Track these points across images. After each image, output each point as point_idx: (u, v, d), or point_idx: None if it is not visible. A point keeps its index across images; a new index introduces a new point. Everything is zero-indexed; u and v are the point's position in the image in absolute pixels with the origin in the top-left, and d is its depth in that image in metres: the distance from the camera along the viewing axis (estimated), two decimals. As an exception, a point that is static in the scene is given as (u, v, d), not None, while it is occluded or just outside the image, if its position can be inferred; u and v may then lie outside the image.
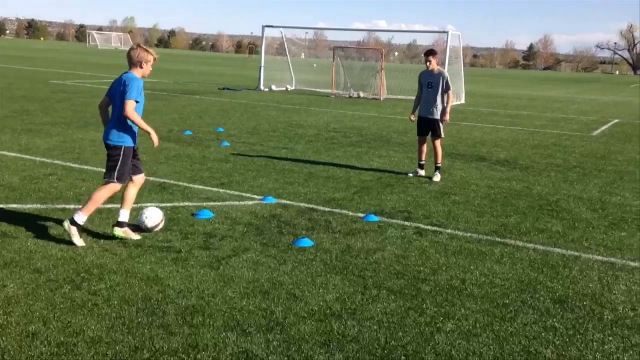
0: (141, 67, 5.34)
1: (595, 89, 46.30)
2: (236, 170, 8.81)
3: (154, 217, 5.60)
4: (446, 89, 8.89)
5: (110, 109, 5.50)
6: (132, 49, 5.40)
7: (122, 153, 5.37)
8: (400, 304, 4.43)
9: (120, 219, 5.46)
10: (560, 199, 8.11)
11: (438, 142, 9.05)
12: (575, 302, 4.65)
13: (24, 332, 3.69)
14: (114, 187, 5.40)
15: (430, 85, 8.96)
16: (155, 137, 5.57)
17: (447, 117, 9.01)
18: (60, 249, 5.14)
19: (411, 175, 9.13)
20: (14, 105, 15.11)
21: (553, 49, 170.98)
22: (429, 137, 9.15)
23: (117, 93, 5.28)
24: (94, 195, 5.35)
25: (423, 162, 9.24)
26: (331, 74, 26.58)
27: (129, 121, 5.28)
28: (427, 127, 9.11)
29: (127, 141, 5.40)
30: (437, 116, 8.98)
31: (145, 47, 5.40)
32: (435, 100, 8.95)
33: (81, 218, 5.27)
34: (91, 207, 5.34)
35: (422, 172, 9.20)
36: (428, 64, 8.94)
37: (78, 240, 5.24)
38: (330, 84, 26.45)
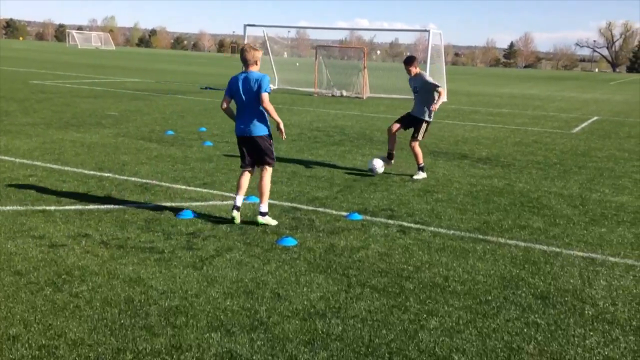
0: (257, 65, 6.01)
1: (574, 87, 46.87)
2: (219, 170, 8.78)
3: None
4: (433, 88, 8.90)
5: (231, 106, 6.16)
6: (245, 50, 5.95)
7: (270, 138, 6.16)
8: (384, 301, 4.45)
9: (261, 209, 6.08)
10: (541, 196, 8.20)
11: (415, 144, 9.04)
12: (557, 298, 4.70)
13: (4, 335, 3.64)
14: (271, 170, 6.23)
15: (416, 89, 9.07)
16: (283, 128, 6.20)
17: (435, 106, 8.92)
18: (41, 251, 5.08)
19: (416, 177, 8.99)
20: (-8, 105, 14.89)
21: (533, 47, 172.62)
22: (406, 140, 9.16)
23: (248, 90, 5.93)
24: (264, 186, 6.12)
25: (393, 152, 9.28)
26: (314, 73, 26.57)
27: (265, 112, 6.01)
28: (410, 123, 9.16)
29: (269, 128, 6.17)
30: (424, 117, 9.02)
31: (254, 47, 6.01)
32: (424, 103, 9.00)
33: (265, 207, 6.09)
34: (267, 195, 6.15)
35: (391, 162, 9.26)
36: (408, 72, 9.03)
37: (274, 221, 6.11)
38: (313, 82, 26.45)
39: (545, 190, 8.55)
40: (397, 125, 9.26)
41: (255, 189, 7.61)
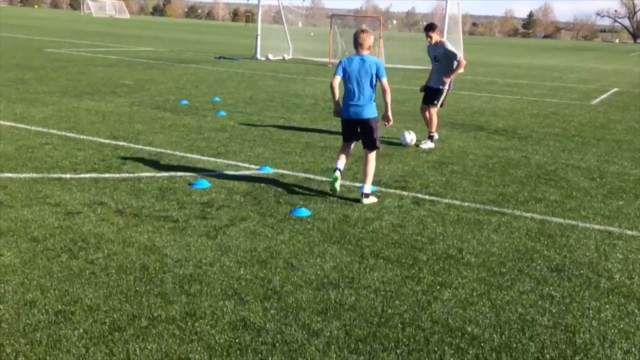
0: (369, 50, 6.11)
1: (594, 57, 45.97)
2: (233, 140, 8.76)
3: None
4: (453, 57, 8.77)
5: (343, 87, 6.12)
6: (364, 33, 6.07)
7: (378, 122, 6.19)
8: (397, 272, 4.44)
9: (365, 191, 6.10)
10: (558, 168, 8.10)
11: (433, 110, 9.01)
12: (572, 271, 4.67)
13: (21, 301, 3.70)
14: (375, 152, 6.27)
15: (436, 58, 8.94)
16: (391, 115, 6.28)
17: (450, 76, 8.86)
18: (57, 218, 5.12)
19: (423, 146, 9.00)
20: (8, 73, 14.93)
21: (553, 16, 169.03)
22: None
23: (364, 73, 6.00)
24: (370, 169, 6.15)
25: (432, 133, 9.24)
26: (328, 43, 26.28)
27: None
28: (428, 96, 9.06)
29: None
30: (441, 86, 8.90)
31: (369, 32, 6.17)
32: (441, 73, 8.88)
33: (369, 187, 6.13)
34: (372, 177, 6.19)
35: (432, 143, 9.21)
36: (428, 39, 8.86)
37: (375, 199, 6.14)
38: (328, 52, 26.18)
39: (562, 163, 8.44)
40: (425, 106, 9.15)
41: (270, 160, 7.60)
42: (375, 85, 6.06)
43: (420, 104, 9.32)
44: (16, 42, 26.20)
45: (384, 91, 6.10)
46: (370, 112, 6.11)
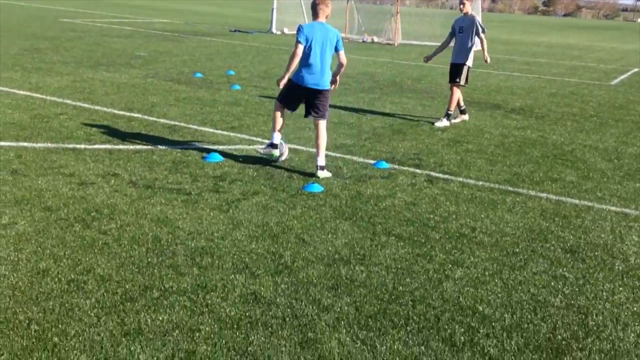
0: (327, 19, 6.00)
1: (615, 37, 45.05)
2: (246, 114, 8.72)
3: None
4: (478, 32, 8.65)
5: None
6: (323, 3, 5.90)
7: (330, 95, 6.10)
8: (409, 250, 4.42)
9: (320, 163, 6.00)
10: (576, 149, 7.98)
11: (455, 88, 8.90)
12: (586, 252, 4.62)
13: (34, 269, 3.73)
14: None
15: (461, 29, 8.79)
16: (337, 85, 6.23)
17: (487, 57, 8.91)
18: (71, 188, 5.15)
19: (456, 120, 9.04)
20: (24, 43, 14.94)
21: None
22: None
23: (328, 43, 5.88)
24: (323, 140, 6.02)
25: (463, 107, 9.21)
26: (345, 18, 25.97)
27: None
28: (452, 73, 8.96)
29: None
30: (464, 61, 8.78)
31: (328, 1, 5.96)
32: (464, 45, 8.77)
33: (324, 160, 6.03)
34: (324, 149, 6.06)
35: (466, 117, 9.24)
36: (462, 6, 8.74)
37: (330, 174, 6.01)
38: (344, 27, 25.87)
39: (579, 143, 8.32)
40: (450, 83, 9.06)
41: (283, 135, 7.57)
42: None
43: (449, 82, 9.18)
44: (32, 12, 26.18)
45: (341, 65, 6.00)
46: (328, 82, 5.98)
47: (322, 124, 6.03)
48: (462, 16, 8.79)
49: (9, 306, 3.31)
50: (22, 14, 24.71)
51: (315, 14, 5.95)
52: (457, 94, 8.93)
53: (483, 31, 8.69)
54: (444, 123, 8.86)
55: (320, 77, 5.90)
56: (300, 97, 6.02)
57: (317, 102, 5.96)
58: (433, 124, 8.87)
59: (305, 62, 5.90)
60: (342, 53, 5.98)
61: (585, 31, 54.25)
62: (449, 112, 8.96)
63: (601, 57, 24.76)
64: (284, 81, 6.01)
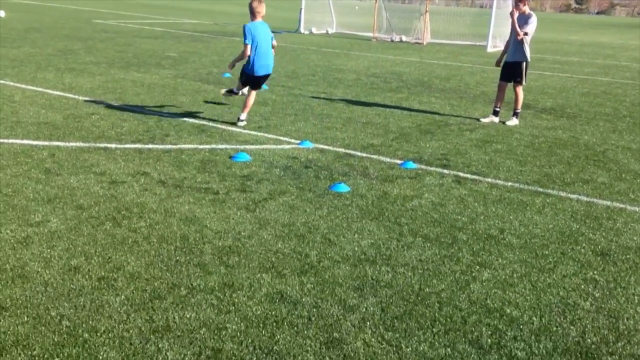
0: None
1: (651, 35, 43.99)
2: (274, 114, 8.77)
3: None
4: (525, 27, 8.57)
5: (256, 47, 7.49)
6: (260, 2, 7.48)
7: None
8: (436, 251, 4.40)
9: (241, 117, 7.90)
10: (608, 149, 7.83)
11: (519, 89, 8.96)
12: (618, 255, 4.53)
13: (66, 266, 3.81)
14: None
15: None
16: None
17: (520, 31, 8.60)
18: (102, 187, 5.24)
19: (484, 120, 9.00)
20: (58, 44, 15.27)
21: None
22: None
23: (270, 37, 7.62)
24: (252, 101, 7.92)
25: (498, 109, 9.12)
26: (373, 17, 25.89)
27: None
28: (510, 73, 8.89)
29: None
30: (520, 59, 8.74)
31: (263, 1, 7.53)
32: (517, 44, 8.70)
33: (246, 115, 7.92)
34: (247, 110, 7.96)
35: (496, 119, 9.09)
36: (516, 9, 8.67)
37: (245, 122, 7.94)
38: (372, 27, 25.81)
39: (612, 144, 8.16)
40: (503, 84, 9.00)
41: (310, 134, 7.58)
42: None
43: (499, 80, 9.09)
44: (65, 13, 26.72)
45: (273, 47, 7.72)
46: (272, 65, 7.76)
47: (256, 91, 7.91)
48: (519, 15, 8.68)
49: (42, 302, 3.39)
50: (55, 15, 25.24)
51: (253, 15, 7.47)
52: (522, 92, 8.96)
53: (530, 30, 8.58)
54: (514, 122, 8.97)
55: (270, 65, 7.67)
56: (260, 81, 7.81)
57: (263, 80, 7.90)
58: (504, 123, 8.93)
59: (257, 56, 7.44)
60: (274, 43, 7.70)
61: (619, 29, 53.08)
62: (518, 111, 9.04)
63: (635, 56, 24.21)
64: (231, 66, 8.01)
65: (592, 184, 6.28)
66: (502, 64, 9.12)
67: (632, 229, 5.07)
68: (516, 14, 8.61)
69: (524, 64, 8.78)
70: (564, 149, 7.73)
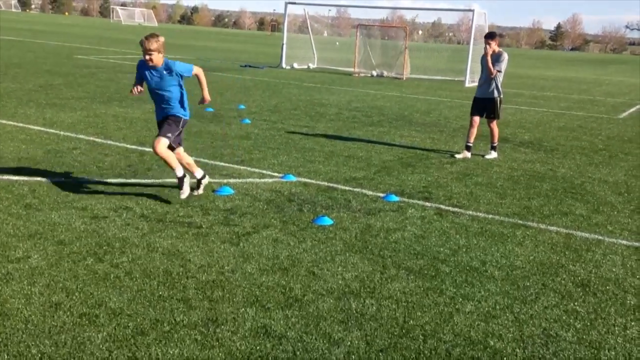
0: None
1: (623, 71, 45.28)
2: (257, 148, 8.82)
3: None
4: (497, 65, 8.76)
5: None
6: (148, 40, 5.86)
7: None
8: (419, 283, 4.42)
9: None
10: (585, 182, 7.98)
11: (493, 124, 9.14)
12: (598, 286, 4.59)
13: (47, 302, 3.76)
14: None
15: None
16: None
17: (493, 69, 8.77)
18: (83, 222, 5.21)
19: (458, 156, 9.06)
20: (39, 79, 15.26)
21: (581, 29, 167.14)
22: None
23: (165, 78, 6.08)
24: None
25: (471, 144, 9.20)
26: (354, 52, 26.34)
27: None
28: (481, 108, 9.06)
29: None
30: (493, 95, 8.93)
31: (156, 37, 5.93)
32: (489, 80, 8.89)
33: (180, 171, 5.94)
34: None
35: (469, 154, 9.14)
36: (487, 47, 8.83)
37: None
38: (353, 62, 26.23)
39: (589, 177, 8.32)
40: (477, 118, 9.12)
41: (293, 168, 7.63)
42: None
43: (471, 114, 9.21)
44: (47, 49, 26.76)
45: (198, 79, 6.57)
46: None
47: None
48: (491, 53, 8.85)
49: (22, 339, 3.33)
50: (37, 50, 25.26)
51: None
52: (496, 127, 9.16)
53: (498, 67, 8.77)
54: (493, 155, 9.13)
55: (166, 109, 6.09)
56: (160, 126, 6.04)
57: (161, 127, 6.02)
58: (483, 156, 9.10)
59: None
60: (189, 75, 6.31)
61: (593, 65, 54.57)
62: (495, 145, 9.21)
63: (609, 90, 24.86)
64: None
65: (570, 216, 6.39)
66: (473, 99, 9.29)
67: (611, 260, 5.15)
68: (490, 51, 8.80)
69: (498, 99, 8.98)
70: (542, 181, 7.87)
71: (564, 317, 4.04)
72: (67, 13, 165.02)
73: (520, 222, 6.06)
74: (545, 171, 8.51)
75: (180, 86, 6.10)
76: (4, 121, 9.40)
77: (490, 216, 6.19)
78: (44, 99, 12.02)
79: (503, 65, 8.82)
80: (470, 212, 6.27)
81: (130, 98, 13.02)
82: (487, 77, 8.92)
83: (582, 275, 4.78)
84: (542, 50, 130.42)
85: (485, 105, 9.03)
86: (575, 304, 4.26)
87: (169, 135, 5.85)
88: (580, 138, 11.73)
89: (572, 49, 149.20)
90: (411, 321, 3.84)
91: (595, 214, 6.50)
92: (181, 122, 6.07)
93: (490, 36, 8.92)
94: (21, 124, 9.26)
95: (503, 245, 5.36)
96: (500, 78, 8.93)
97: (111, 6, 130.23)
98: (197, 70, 6.25)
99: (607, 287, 4.58)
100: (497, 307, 4.12)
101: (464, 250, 5.17)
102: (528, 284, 4.55)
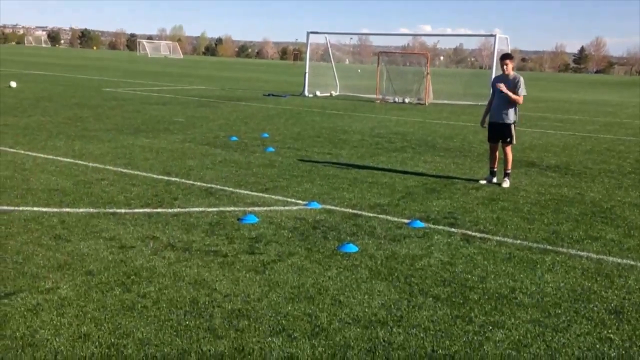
0: None
1: (650, 92, 44.66)
2: (281, 175, 8.86)
3: None
4: (519, 90, 8.64)
5: None
6: None
7: None
8: (447, 311, 4.35)
9: None
10: (615, 206, 7.83)
11: (508, 149, 8.91)
12: (632, 313, 4.47)
13: (76, 333, 3.79)
14: None
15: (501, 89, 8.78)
16: None
17: (506, 90, 8.62)
18: (111, 252, 5.26)
19: (483, 182, 8.96)
20: (68, 112, 15.62)
21: (605, 51, 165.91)
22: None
23: None
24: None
25: (495, 169, 9.07)
26: (375, 79, 26.49)
27: None
28: (498, 133, 8.94)
29: None
30: (509, 121, 8.79)
31: None
32: (507, 105, 8.76)
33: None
34: None
35: (494, 179, 9.03)
36: (504, 67, 8.73)
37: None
38: (375, 89, 26.37)
39: (618, 200, 8.17)
40: (494, 146, 9.02)
41: (317, 195, 7.64)
42: None
43: (489, 141, 9.13)
44: (75, 82, 27.45)
45: None
46: None
47: None
48: (505, 76, 8.76)
49: (51, 370, 3.35)
50: (66, 84, 25.92)
51: None
52: (510, 152, 8.96)
53: (520, 92, 8.64)
54: (508, 183, 8.83)
55: None
56: None
57: None
58: (500, 184, 8.79)
59: None
60: None
61: (618, 87, 53.99)
62: (508, 172, 8.92)
63: (635, 113, 24.53)
64: None
65: (601, 240, 6.26)
66: (486, 125, 9.15)
67: (645, 286, 5.01)
68: (504, 89, 8.63)
69: (513, 125, 8.85)
70: (570, 206, 7.75)
71: (597, 346, 3.93)
72: (95, 47, 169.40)
73: (550, 247, 5.96)
74: (573, 195, 8.38)
75: None
76: (34, 153, 9.62)
77: (518, 242, 6.09)
78: (73, 131, 12.28)
79: (523, 91, 8.69)
80: (498, 238, 6.19)
81: (156, 129, 13.24)
82: (503, 102, 8.76)
83: (615, 302, 4.66)
84: (566, 74, 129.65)
85: (501, 130, 8.90)
86: (609, 331, 4.15)
87: None
88: (608, 161, 11.55)
89: (596, 72, 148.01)
90: (440, 350, 3.77)
91: (626, 239, 6.36)
92: None
93: (507, 56, 8.83)
94: (51, 156, 9.46)
95: (532, 271, 5.26)
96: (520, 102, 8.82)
97: (138, 40, 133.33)
98: None
99: (642, 314, 4.45)
100: (529, 335, 4.03)
101: (492, 276, 5.09)
102: (559, 311, 4.45)
